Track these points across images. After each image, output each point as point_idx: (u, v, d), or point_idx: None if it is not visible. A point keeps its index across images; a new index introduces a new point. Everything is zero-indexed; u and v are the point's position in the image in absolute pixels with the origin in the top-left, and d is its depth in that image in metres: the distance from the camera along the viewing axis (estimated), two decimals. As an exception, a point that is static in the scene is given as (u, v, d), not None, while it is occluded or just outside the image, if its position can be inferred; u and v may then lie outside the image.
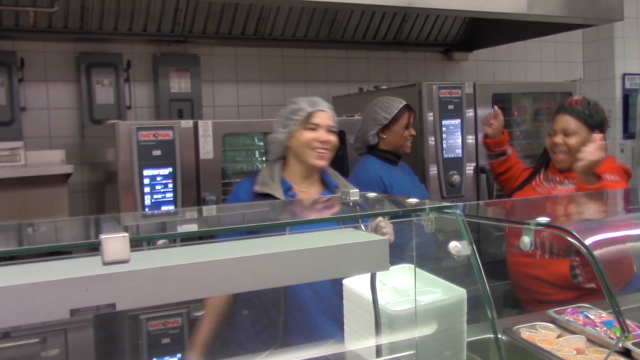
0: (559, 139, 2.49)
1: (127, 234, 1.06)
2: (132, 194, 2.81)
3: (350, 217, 1.54)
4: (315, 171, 2.33)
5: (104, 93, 3.46)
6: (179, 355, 2.75)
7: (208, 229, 1.53)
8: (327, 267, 1.25)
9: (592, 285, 2.35)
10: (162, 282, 1.15)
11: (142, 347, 2.54)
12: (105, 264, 1.07)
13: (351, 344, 1.70)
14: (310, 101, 2.35)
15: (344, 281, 1.68)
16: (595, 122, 2.46)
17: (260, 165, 3.35)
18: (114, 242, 1.06)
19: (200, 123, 2.87)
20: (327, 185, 2.36)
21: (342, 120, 3.12)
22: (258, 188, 2.24)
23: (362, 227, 1.53)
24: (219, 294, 1.76)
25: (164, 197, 2.78)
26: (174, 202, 2.75)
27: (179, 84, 3.67)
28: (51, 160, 2.97)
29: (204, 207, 2.21)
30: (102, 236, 1.05)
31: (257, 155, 3.37)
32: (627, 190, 4.14)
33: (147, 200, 2.81)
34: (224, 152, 3.02)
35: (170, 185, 2.74)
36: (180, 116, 3.60)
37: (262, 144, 3.41)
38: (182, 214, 1.85)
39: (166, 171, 2.77)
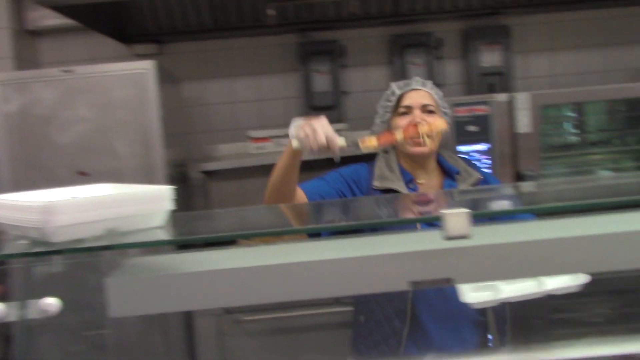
0: None
1: (468, 210, 1.06)
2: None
3: None
4: (428, 159, 2.02)
5: (416, 72, 3.55)
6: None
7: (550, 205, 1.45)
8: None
9: None
10: (502, 259, 1.13)
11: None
12: (447, 238, 1.08)
13: None
14: (403, 83, 2.10)
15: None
16: None
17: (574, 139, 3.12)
18: (456, 218, 1.07)
19: (517, 96, 2.77)
20: (447, 173, 2.03)
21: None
22: (377, 183, 1.98)
23: None
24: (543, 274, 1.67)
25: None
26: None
27: (489, 58, 3.59)
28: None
29: (524, 184, 2.12)
30: (444, 212, 1.07)
31: (573, 129, 3.14)
32: None
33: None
34: (541, 126, 2.87)
35: (488, 161, 2.70)
36: (492, 90, 3.53)
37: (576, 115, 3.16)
38: (506, 190, 1.81)
39: (483, 147, 2.74)
